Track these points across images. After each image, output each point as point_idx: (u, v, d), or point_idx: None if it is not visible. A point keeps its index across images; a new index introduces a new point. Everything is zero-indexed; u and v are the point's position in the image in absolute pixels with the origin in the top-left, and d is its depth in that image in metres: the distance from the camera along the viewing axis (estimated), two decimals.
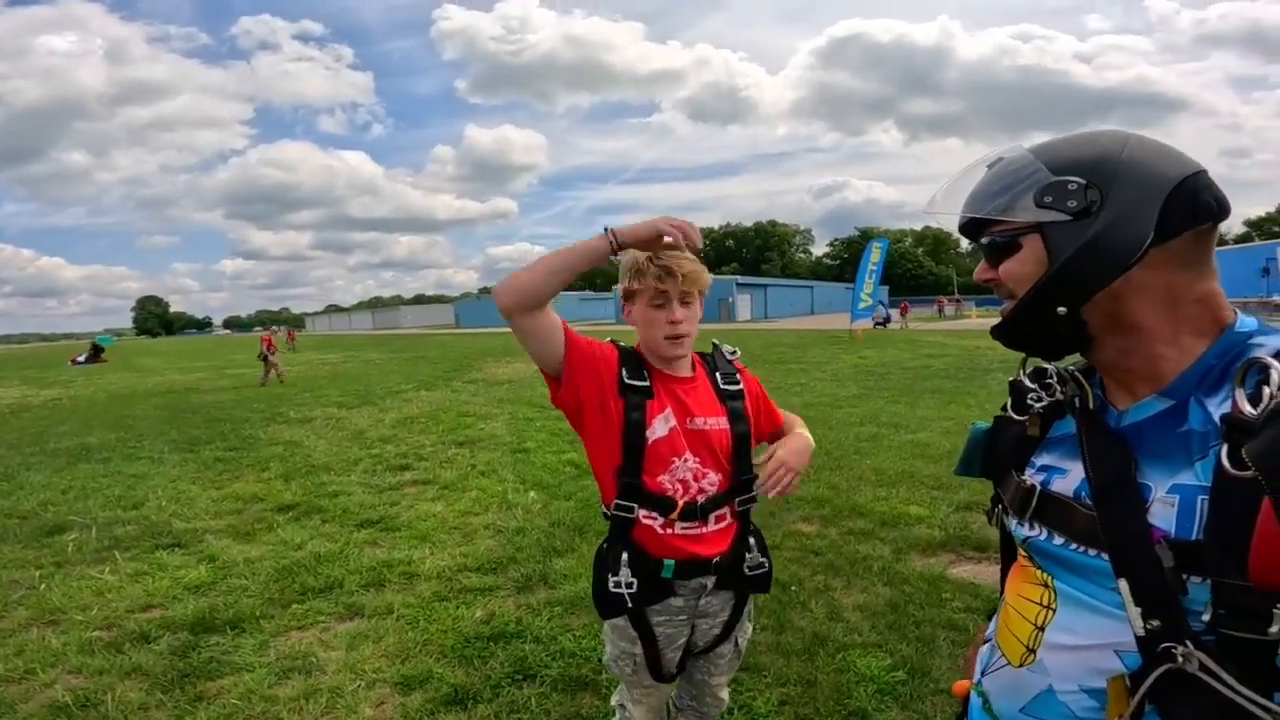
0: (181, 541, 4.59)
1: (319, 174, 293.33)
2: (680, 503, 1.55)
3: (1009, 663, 0.87)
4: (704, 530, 1.58)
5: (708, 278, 1.61)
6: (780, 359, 16.87)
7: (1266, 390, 0.66)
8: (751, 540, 1.69)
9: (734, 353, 1.74)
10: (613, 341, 1.64)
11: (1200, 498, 0.70)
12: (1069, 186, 0.74)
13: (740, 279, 64.65)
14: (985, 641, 0.99)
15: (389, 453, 7.33)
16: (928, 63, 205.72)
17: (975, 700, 0.96)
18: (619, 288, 1.67)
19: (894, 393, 10.47)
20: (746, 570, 1.66)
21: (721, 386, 1.65)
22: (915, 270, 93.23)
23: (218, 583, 3.85)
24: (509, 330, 1.51)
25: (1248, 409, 0.66)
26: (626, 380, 1.56)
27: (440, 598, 3.56)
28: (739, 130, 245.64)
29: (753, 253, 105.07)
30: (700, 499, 1.57)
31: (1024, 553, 0.91)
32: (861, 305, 24.01)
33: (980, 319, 38.46)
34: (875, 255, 23.82)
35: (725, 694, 1.84)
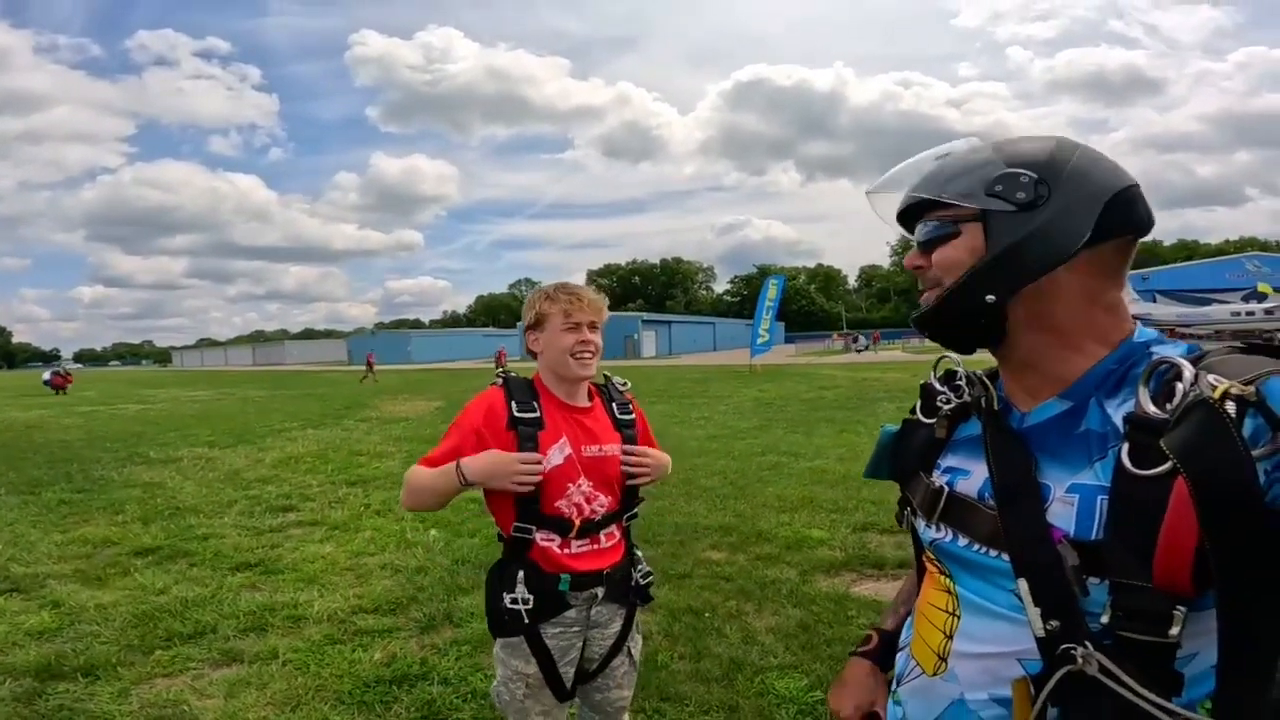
0: (20, 586, 4.22)
1: (202, 197, 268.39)
2: (577, 522, 1.65)
3: (924, 672, 0.86)
4: (597, 547, 1.69)
5: (606, 313, 1.75)
6: (685, 393, 17.18)
7: (1179, 386, 0.67)
8: (637, 553, 1.82)
9: (625, 384, 1.84)
10: (499, 377, 1.73)
11: (1100, 497, 0.70)
12: (1020, 179, 0.76)
13: (645, 316, 65.51)
14: (900, 649, 0.97)
15: (269, 493, 6.75)
16: (824, 107, 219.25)
17: (894, 711, 0.93)
18: (525, 318, 1.75)
19: (791, 423, 10.91)
20: (640, 580, 1.77)
21: (618, 416, 1.77)
22: (808, 307, 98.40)
23: (64, 629, 3.56)
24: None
25: (1151, 408, 0.67)
26: (516, 414, 1.64)
27: (332, 641, 3.28)
28: (649, 168, 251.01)
29: (658, 289, 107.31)
30: (593, 519, 1.68)
31: (930, 555, 0.90)
32: (760, 340, 24.97)
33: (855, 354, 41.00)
34: (772, 292, 24.94)
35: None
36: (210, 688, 2.90)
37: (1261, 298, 30.97)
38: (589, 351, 1.67)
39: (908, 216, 0.88)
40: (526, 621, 1.61)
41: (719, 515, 5.43)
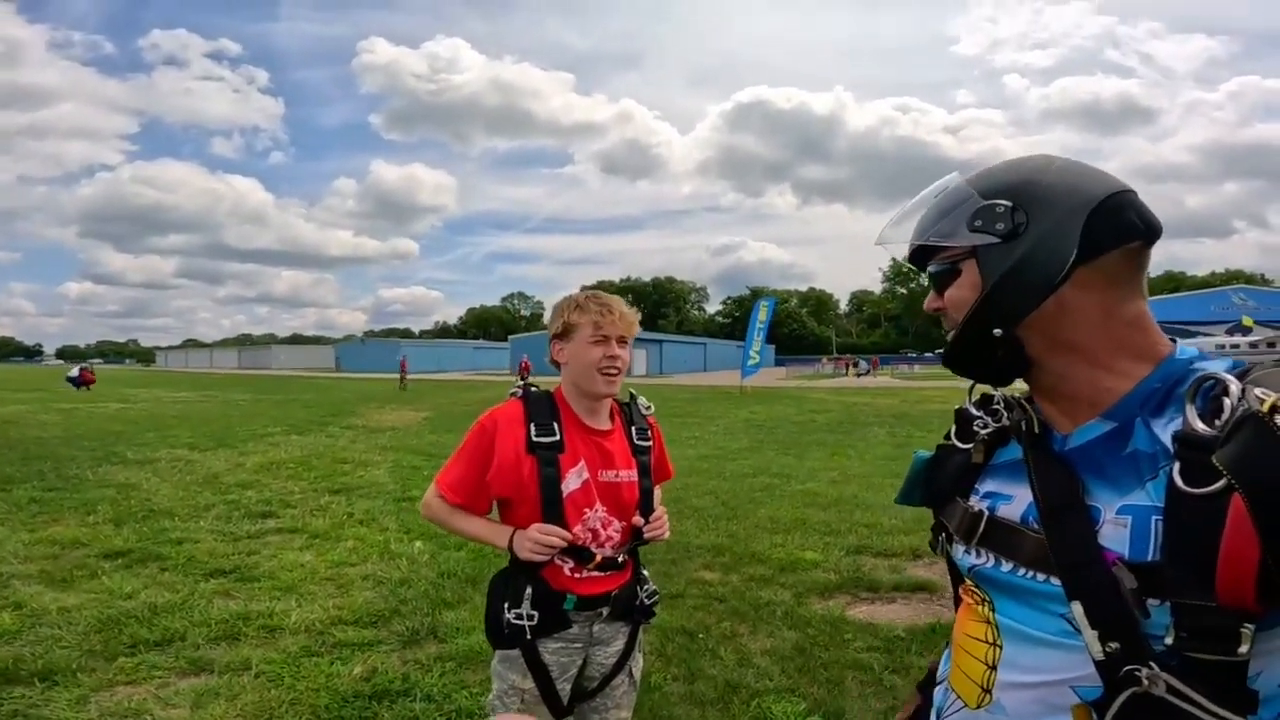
0: None
1: (200, 197, 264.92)
2: (599, 556, 1.59)
3: (965, 705, 0.84)
4: (610, 573, 1.64)
5: (638, 328, 1.71)
6: (676, 413, 17.09)
7: (1226, 401, 0.66)
8: (645, 572, 1.76)
9: (649, 409, 1.79)
10: (519, 389, 1.66)
11: (1154, 518, 0.69)
12: (997, 209, 0.76)
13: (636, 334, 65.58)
14: (938, 683, 0.95)
15: (248, 498, 6.59)
16: (822, 130, 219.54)
17: None
18: (551, 326, 1.69)
19: (783, 445, 10.86)
20: (645, 600, 1.71)
21: (635, 441, 1.71)
22: (799, 330, 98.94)
23: (24, 631, 3.42)
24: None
25: (1200, 426, 0.66)
26: (534, 438, 1.58)
27: (310, 653, 3.15)
28: (647, 186, 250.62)
29: (650, 308, 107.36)
30: (608, 546, 1.62)
31: (970, 583, 0.88)
32: (750, 362, 25.01)
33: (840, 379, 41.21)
34: (763, 314, 25.10)
35: None
36: (176, 697, 2.76)
37: (1246, 331, 31.51)
38: (616, 368, 1.62)
39: (919, 259, 0.88)
40: (529, 637, 1.56)
41: (710, 535, 5.34)
